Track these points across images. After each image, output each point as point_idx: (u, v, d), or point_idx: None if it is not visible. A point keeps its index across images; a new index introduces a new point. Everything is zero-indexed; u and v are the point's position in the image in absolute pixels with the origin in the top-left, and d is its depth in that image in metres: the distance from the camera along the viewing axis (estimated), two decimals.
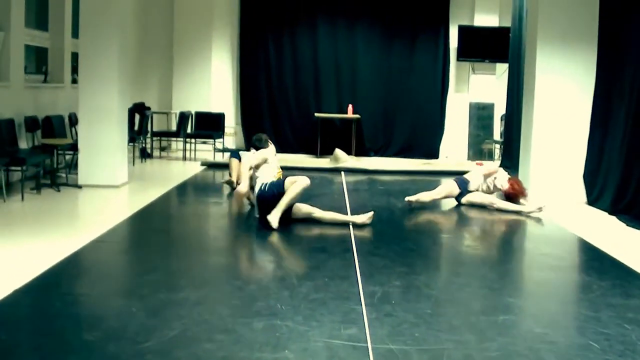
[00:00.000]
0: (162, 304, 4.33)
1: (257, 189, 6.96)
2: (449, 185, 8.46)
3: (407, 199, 8.20)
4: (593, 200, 9.07)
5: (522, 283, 5.40)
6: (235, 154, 9.36)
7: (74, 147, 9.55)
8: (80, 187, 9.17)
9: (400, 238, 6.66)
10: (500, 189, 8.48)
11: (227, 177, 9.39)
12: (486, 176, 8.48)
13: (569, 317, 4.49)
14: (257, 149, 7.50)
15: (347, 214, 7.45)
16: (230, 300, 4.48)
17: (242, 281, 4.92)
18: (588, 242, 6.70)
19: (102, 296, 4.52)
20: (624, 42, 8.64)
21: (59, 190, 8.84)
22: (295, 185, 6.82)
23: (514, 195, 8.37)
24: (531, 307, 4.66)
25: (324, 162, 12.57)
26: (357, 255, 5.75)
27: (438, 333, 3.98)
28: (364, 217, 7.02)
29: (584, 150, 9.26)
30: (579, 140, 9.25)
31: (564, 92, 9.22)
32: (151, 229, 7.10)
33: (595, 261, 6.07)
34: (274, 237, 6.52)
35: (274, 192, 6.83)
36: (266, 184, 6.93)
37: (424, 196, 8.27)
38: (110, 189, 9.16)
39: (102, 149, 9.31)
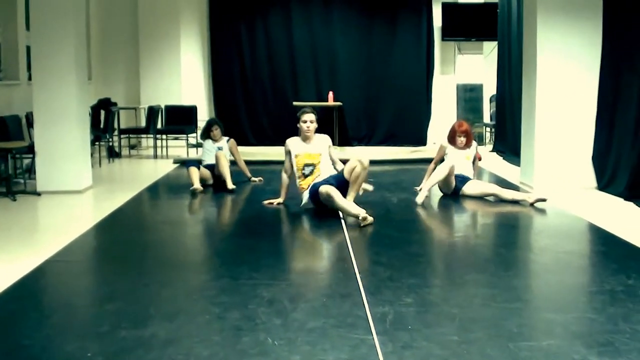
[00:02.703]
0: (124, 344, 3.46)
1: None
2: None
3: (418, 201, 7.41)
4: (604, 185, 8.30)
5: (556, 292, 4.56)
6: (192, 163, 8.66)
7: (31, 150, 8.62)
8: (39, 194, 8.27)
9: (403, 241, 5.81)
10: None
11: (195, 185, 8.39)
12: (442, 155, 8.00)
13: (634, 337, 3.64)
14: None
15: (337, 211, 6.64)
16: (210, 336, 3.60)
17: (222, 307, 4.05)
18: (616, 236, 5.88)
19: (48, 339, 3.63)
20: (633, 6, 7.82)
21: (14, 199, 7.92)
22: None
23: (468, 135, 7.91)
24: (576, 324, 3.82)
25: None
26: (357, 264, 4.90)
27: None
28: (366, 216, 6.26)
29: (591, 131, 8.46)
30: (585, 120, 8.45)
31: (567, 67, 8.40)
32: (116, 241, 6.21)
33: (631, 259, 5.24)
34: (257, 246, 5.67)
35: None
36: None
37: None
38: (73, 195, 8.26)
39: (62, 151, 8.40)
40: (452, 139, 7.94)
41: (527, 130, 8.78)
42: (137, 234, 6.42)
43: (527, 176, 8.73)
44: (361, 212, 6.21)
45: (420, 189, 7.64)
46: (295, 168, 7.13)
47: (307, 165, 7.05)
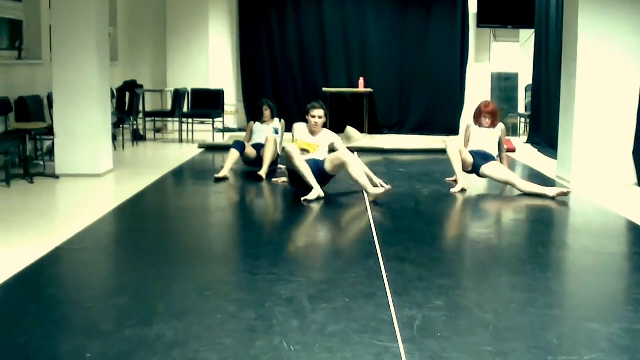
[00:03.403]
0: (126, 345, 3.17)
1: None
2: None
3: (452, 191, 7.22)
4: None
5: (599, 298, 4.20)
6: (238, 145, 8.22)
7: (51, 132, 8.38)
8: (57, 177, 8.03)
9: (434, 237, 5.48)
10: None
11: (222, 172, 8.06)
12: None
13: None
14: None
15: (364, 198, 6.35)
16: (220, 338, 3.29)
17: (237, 305, 3.75)
18: None
19: (46, 336, 3.35)
20: None
21: (32, 182, 7.68)
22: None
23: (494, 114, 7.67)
24: (622, 337, 3.45)
25: None
26: (383, 262, 4.58)
27: None
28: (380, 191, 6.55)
29: (633, 124, 8.02)
30: (627, 112, 8.01)
31: (609, 56, 7.94)
32: (131, 228, 5.95)
33: None
34: (278, 238, 5.37)
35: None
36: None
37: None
38: (92, 179, 8.01)
39: (82, 133, 8.15)
40: (477, 118, 7.70)
41: (565, 122, 8.36)
42: (154, 221, 6.14)
43: (564, 170, 8.32)
44: (316, 191, 6.56)
45: (455, 181, 7.33)
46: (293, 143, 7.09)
47: (302, 150, 6.97)
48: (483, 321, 3.56)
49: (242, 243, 5.45)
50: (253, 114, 8.70)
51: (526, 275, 4.46)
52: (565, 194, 6.93)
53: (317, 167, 6.83)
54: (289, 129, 7.99)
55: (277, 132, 8.49)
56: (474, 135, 7.62)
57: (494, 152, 7.51)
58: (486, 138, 7.57)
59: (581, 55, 7.92)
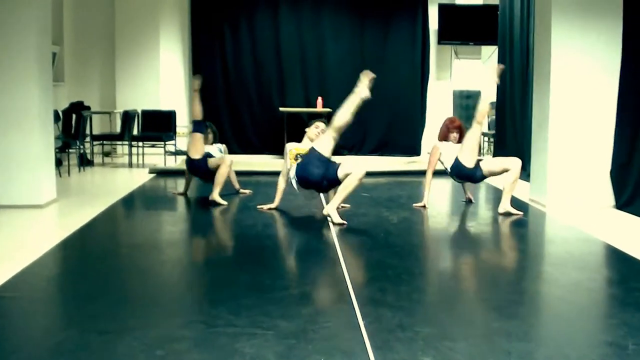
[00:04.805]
0: None
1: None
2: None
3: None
4: (624, 203, 7.49)
5: (602, 344, 3.71)
6: (198, 126, 7.98)
7: None
8: None
9: (409, 273, 4.95)
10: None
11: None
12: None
13: None
14: None
15: (331, 234, 5.83)
16: None
17: None
18: None
19: None
20: None
21: None
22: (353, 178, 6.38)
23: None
24: None
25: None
26: (358, 306, 4.04)
27: None
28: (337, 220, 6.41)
29: (610, 142, 7.64)
30: (604, 130, 7.63)
31: (584, 71, 7.58)
32: (72, 270, 5.32)
33: None
34: (237, 279, 4.81)
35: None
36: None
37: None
38: (33, 210, 7.36)
39: (21, 159, 7.50)
40: (444, 134, 7.49)
41: (537, 142, 7.95)
42: (99, 260, 5.51)
43: (538, 192, 7.90)
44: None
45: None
46: (288, 159, 6.95)
47: (299, 154, 6.85)
48: None
49: (197, 286, 4.86)
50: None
51: (520, 319, 3.95)
52: (514, 215, 6.93)
53: (329, 174, 6.60)
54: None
55: (221, 151, 8.23)
56: (446, 153, 7.23)
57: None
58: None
59: (555, 72, 7.54)
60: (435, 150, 7.43)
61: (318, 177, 6.58)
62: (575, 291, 4.59)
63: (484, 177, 7.23)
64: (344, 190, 6.42)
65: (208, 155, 7.89)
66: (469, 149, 7.13)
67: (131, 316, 3.98)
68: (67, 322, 3.98)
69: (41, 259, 5.29)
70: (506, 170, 7.07)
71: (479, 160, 7.29)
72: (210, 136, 8.26)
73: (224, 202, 7.55)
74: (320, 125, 7.22)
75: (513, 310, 4.12)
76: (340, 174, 6.49)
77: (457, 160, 7.18)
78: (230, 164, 7.77)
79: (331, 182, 6.62)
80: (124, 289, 4.65)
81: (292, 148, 7.01)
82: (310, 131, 7.20)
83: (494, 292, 4.55)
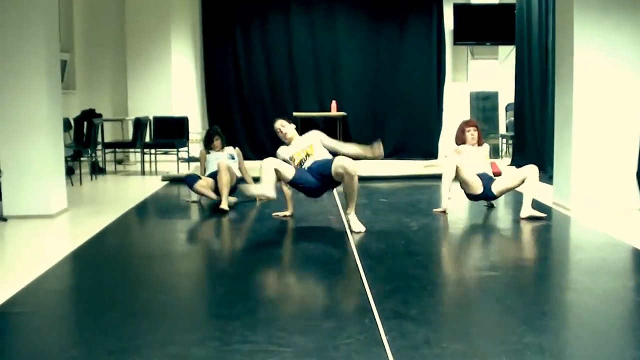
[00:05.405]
0: None
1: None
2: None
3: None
4: None
5: None
6: (190, 178, 7.84)
7: None
8: (5, 219, 7.20)
9: (432, 283, 4.73)
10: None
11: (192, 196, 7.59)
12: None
13: None
14: None
15: (349, 242, 5.61)
16: None
17: None
18: None
19: None
20: None
21: None
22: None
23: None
24: None
25: None
26: (381, 320, 3.82)
27: None
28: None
29: (636, 142, 7.39)
30: (629, 130, 7.38)
31: (608, 70, 7.32)
32: (80, 284, 5.14)
33: None
34: (253, 292, 4.60)
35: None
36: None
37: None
38: (43, 220, 7.20)
39: (31, 169, 7.34)
40: (461, 136, 7.25)
41: (561, 143, 7.70)
42: (109, 272, 5.32)
43: (561, 196, 7.65)
44: (261, 188, 6.19)
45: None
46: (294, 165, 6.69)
47: (302, 161, 6.64)
48: None
49: (211, 299, 4.66)
50: (205, 144, 8.10)
51: (552, 333, 3.71)
52: (538, 219, 6.68)
53: (322, 172, 6.40)
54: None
55: (233, 158, 7.97)
56: (465, 156, 7.06)
57: (490, 171, 7.03)
58: (479, 159, 7.04)
59: (577, 71, 7.29)
60: (453, 154, 7.18)
61: (314, 183, 6.49)
62: (610, 301, 4.34)
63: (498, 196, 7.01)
64: (349, 193, 6.27)
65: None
66: (468, 181, 6.87)
67: (142, 333, 3.78)
68: (75, 340, 3.78)
69: (50, 272, 5.11)
70: (523, 181, 6.81)
71: (490, 179, 6.98)
72: (218, 142, 8.05)
73: (227, 209, 7.32)
74: (277, 125, 7.04)
75: (544, 323, 3.88)
76: (332, 171, 6.28)
77: (465, 189, 7.02)
78: (225, 168, 7.51)
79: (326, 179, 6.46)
80: (135, 302, 4.45)
81: (291, 155, 6.79)
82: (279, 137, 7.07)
83: (523, 303, 4.30)
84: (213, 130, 8.21)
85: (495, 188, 6.90)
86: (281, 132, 6.98)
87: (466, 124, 7.35)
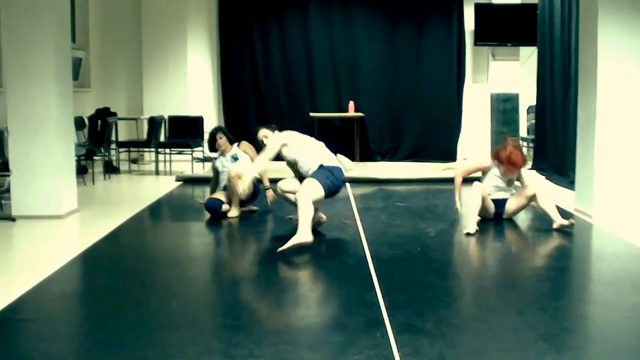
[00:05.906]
0: None
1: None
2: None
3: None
4: None
5: None
6: (213, 205, 7.32)
7: (7, 167, 7.42)
8: (13, 219, 7.07)
9: (449, 294, 4.54)
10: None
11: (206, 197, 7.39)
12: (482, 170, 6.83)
13: None
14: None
15: (364, 248, 5.42)
16: None
17: None
18: None
19: None
20: None
21: None
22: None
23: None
24: None
25: None
26: (394, 334, 3.64)
27: None
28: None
29: None
30: None
31: (633, 72, 7.09)
32: (84, 290, 5.01)
33: None
34: (261, 301, 4.42)
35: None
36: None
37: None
38: (52, 221, 7.07)
39: (40, 168, 7.22)
40: (499, 162, 6.63)
41: (584, 147, 7.47)
42: (115, 277, 5.16)
43: (584, 202, 7.42)
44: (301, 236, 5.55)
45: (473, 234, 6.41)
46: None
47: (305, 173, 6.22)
48: None
49: (218, 307, 4.50)
50: (210, 146, 7.66)
51: (573, 351, 3.52)
52: (569, 226, 6.36)
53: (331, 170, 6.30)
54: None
55: (236, 159, 7.42)
56: (492, 180, 6.70)
57: (510, 193, 6.75)
58: (504, 185, 6.74)
59: (601, 73, 7.06)
60: (482, 166, 6.85)
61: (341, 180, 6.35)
62: (635, 317, 4.13)
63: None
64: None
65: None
66: (484, 206, 6.58)
67: (145, 344, 3.62)
68: (76, 350, 3.63)
69: (55, 275, 4.99)
70: (532, 198, 6.55)
71: (504, 205, 6.75)
72: (222, 140, 7.49)
73: (236, 214, 7.14)
74: (267, 133, 6.65)
75: (565, 340, 3.68)
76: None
77: (502, 203, 6.76)
78: (234, 175, 6.87)
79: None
80: (140, 310, 4.29)
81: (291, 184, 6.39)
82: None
83: (542, 318, 4.07)
84: (214, 130, 7.70)
85: (506, 212, 6.70)
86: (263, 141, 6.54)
87: (512, 163, 6.57)
